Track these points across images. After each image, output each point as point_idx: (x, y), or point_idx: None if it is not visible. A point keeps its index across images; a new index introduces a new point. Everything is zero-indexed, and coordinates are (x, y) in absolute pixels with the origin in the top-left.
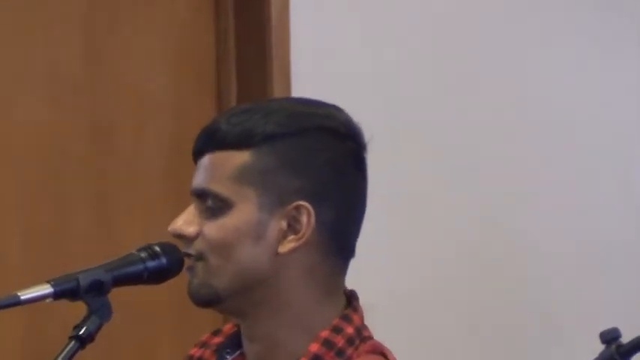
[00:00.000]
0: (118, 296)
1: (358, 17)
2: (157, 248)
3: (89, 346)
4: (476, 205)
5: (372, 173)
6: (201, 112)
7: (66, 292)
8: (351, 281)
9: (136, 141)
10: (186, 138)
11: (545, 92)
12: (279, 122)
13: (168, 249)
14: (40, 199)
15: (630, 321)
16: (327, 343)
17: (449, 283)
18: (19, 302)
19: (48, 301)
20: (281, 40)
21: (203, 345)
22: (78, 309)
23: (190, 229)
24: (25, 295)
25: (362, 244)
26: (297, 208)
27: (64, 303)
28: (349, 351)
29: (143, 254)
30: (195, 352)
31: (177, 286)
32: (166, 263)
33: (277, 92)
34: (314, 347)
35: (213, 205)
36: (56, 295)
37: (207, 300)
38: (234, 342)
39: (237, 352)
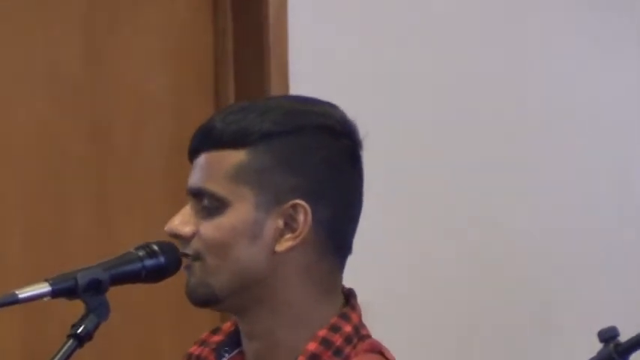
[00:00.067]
0: (117, 296)
1: (357, 17)
2: (155, 247)
3: (88, 346)
4: (476, 205)
5: (373, 173)
6: (200, 112)
7: (64, 290)
8: (350, 281)
9: (135, 141)
10: (185, 138)
11: (545, 92)
12: (275, 121)
13: (166, 248)
14: (40, 199)
15: (630, 321)
16: (325, 342)
17: (449, 282)
18: (17, 301)
19: (46, 299)
20: (279, 39)
21: (202, 343)
22: (78, 308)
23: (186, 229)
24: (23, 293)
25: (362, 243)
26: (294, 206)
27: (64, 302)
28: (347, 350)
29: (141, 253)
30: (195, 350)
31: (176, 285)
32: (164, 262)
33: (275, 92)
34: (312, 346)
35: (210, 204)
36: (54, 294)
37: (204, 299)
38: (234, 340)
39: (236, 351)
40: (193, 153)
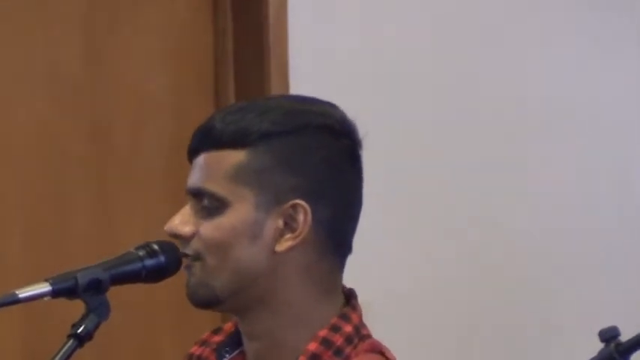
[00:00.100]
0: (117, 296)
1: (357, 17)
2: (156, 246)
3: (89, 346)
4: (476, 205)
5: (372, 173)
6: (200, 112)
7: (64, 290)
8: (350, 281)
9: (135, 140)
10: (185, 138)
11: (545, 92)
12: (274, 120)
13: (167, 247)
14: (40, 199)
15: (630, 321)
16: (326, 342)
17: (449, 282)
18: (17, 300)
19: (46, 299)
20: (279, 39)
21: (203, 343)
22: (78, 308)
23: (186, 229)
24: (24, 293)
25: (362, 243)
26: (294, 206)
27: (64, 302)
28: (348, 350)
29: (141, 252)
30: (196, 350)
31: (176, 285)
32: (164, 262)
33: (275, 92)
34: (312, 346)
35: (210, 204)
36: (54, 294)
37: (205, 301)
38: (234, 340)
39: (237, 351)
40: (193, 153)
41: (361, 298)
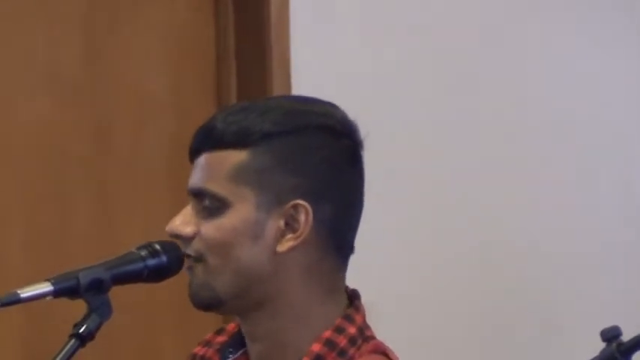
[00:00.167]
0: (119, 296)
1: (358, 16)
2: (157, 246)
3: (90, 346)
4: (476, 205)
5: (373, 173)
6: (202, 112)
7: (66, 290)
8: (350, 280)
9: (136, 141)
10: (186, 137)
11: (545, 92)
12: (275, 121)
13: (169, 247)
14: (41, 199)
15: (630, 321)
16: (330, 343)
17: (449, 282)
18: (19, 300)
19: (48, 299)
20: (280, 39)
21: (207, 344)
22: (80, 308)
23: (187, 229)
24: (25, 293)
25: (362, 243)
26: (295, 206)
27: (65, 302)
28: (351, 351)
29: (143, 252)
30: (199, 350)
31: (177, 285)
32: (166, 261)
33: (277, 91)
34: (316, 347)
35: (211, 204)
36: (56, 293)
37: (207, 303)
38: (238, 341)
39: (241, 351)
40: (194, 153)
41: (363, 299)
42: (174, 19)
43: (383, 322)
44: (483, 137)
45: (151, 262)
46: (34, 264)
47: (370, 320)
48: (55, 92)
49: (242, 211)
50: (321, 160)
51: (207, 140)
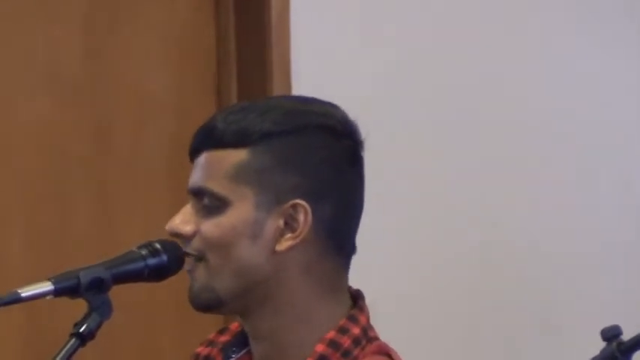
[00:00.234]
0: (120, 296)
1: (358, 17)
2: (158, 245)
3: (91, 346)
4: (476, 205)
5: (372, 173)
6: (202, 112)
7: (66, 289)
8: (350, 280)
9: (136, 141)
10: (186, 137)
11: (545, 92)
12: (276, 120)
13: (169, 246)
14: (41, 199)
15: (630, 321)
16: (333, 344)
17: (449, 282)
18: (19, 299)
19: (48, 298)
20: (281, 39)
21: (210, 343)
22: (80, 308)
23: (187, 228)
24: (26, 292)
25: (362, 243)
26: (294, 206)
27: (66, 302)
28: (355, 352)
29: (144, 251)
30: (202, 350)
31: (177, 285)
32: (167, 260)
33: (277, 91)
34: (320, 347)
35: (210, 203)
36: (57, 293)
37: (207, 304)
38: (241, 340)
39: (244, 351)
40: (194, 152)
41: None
42: (175, 19)
43: (383, 322)
44: (483, 137)
45: (152, 261)
46: (34, 264)
47: (370, 320)
48: (55, 92)
49: (241, 210)
50: (321, 160)
51: (207, 140)
